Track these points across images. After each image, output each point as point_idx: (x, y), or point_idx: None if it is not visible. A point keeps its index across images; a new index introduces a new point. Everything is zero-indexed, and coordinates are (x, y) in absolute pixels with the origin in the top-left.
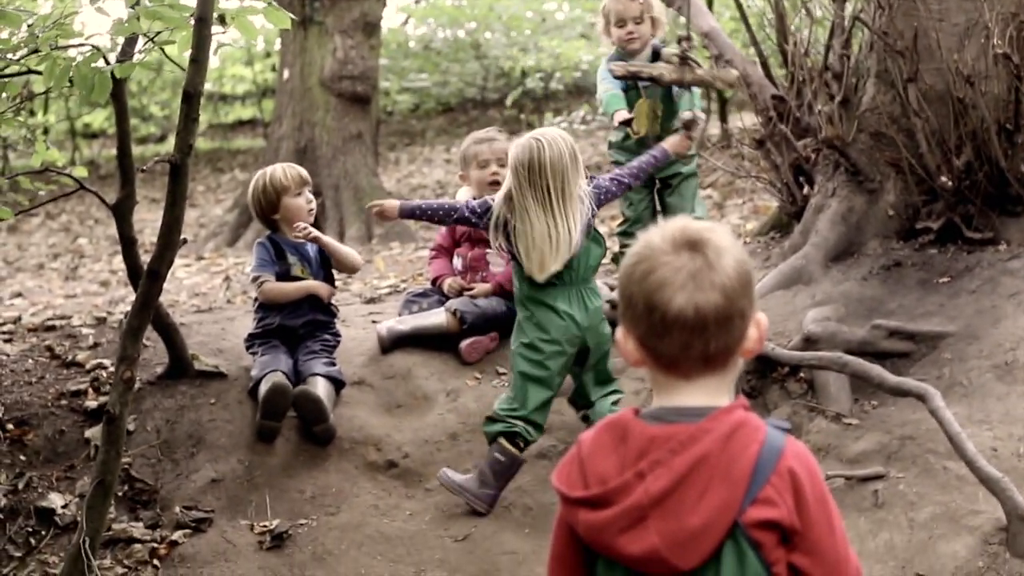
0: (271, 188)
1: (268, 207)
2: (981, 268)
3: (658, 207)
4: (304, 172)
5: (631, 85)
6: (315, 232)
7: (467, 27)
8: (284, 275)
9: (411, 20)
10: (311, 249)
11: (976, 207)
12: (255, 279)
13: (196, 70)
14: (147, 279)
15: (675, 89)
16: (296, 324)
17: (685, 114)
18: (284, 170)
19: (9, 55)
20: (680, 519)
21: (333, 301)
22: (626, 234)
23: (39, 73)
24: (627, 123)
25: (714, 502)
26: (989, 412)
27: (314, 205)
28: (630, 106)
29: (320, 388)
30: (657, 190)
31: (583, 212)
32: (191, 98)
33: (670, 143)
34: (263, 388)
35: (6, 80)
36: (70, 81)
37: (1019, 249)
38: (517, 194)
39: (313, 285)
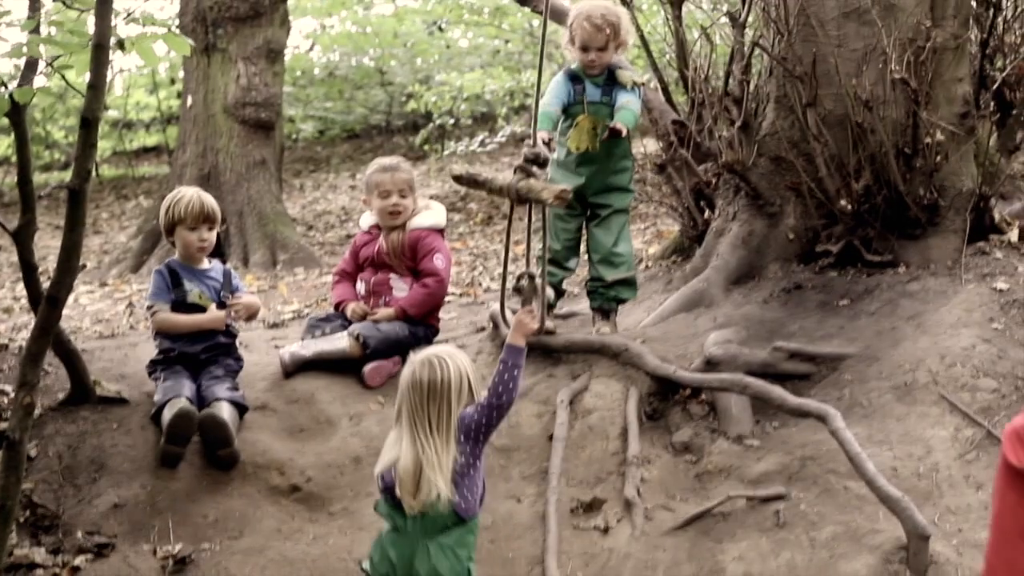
0: (171, 213)
1: (166, 228)
2: (880, 290)
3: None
4: (210, 207)
5: (576, 100)
6: (242, 307)
7: (371, 54)
8: (180, 302)
9: (316, 47)
10: (216, 274)
11: (875, 230)
12: (149, 307)
13: (94, 96)
14: (46, 304)
15: (617, 114)
16: (197, 350)
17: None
18: (189, 202)
19: None
20: None
21: (230, 322)
22: (551, 262)
23: None
24: (547, 143)
25: None
26: (889, 432)
27: (209, 242)
28: (571, 120)
29: (225, 412)
30: (587, 219)
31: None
32: (89, 124)
33: (514, 331)
34: (167, 413)
35: None
36: None
37: (918, 271)
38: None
39: (204, 320)
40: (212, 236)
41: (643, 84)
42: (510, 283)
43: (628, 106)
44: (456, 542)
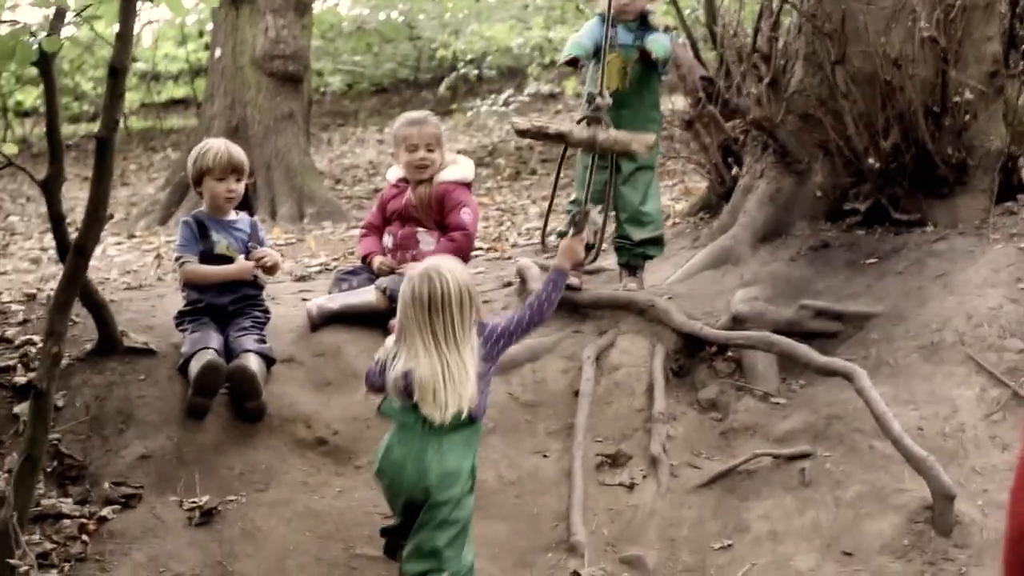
0: (199, 164)
1: (194, 179)
2: (908, 249)
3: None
4: (237, 158)
5: (609, 42)
6: (270, 262)
7: (401, 8)
8: (208, 253)
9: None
10: (243, 225)
11: (903, 189)
12: (177, 259)
13: (122, 45)
14: (74, 254)
15: (647, 41)
16: (225, 302)
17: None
18: (216, 152)
19: None
20: None
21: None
22: (572, 201)
23: None
24: (572, 63)
25: None
26: (915, 392)
27: (236, 193)
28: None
29: (253, 364)
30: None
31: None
32: (117, 73)
33: (560, 257)
34: (195, 365)
35: None
36: None
37: (945, 231)
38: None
39: (231, 271)
40: (240, 187)
41: (675, 28)
42: (561, 226)
43: (659, 40)
44: (464, 440)
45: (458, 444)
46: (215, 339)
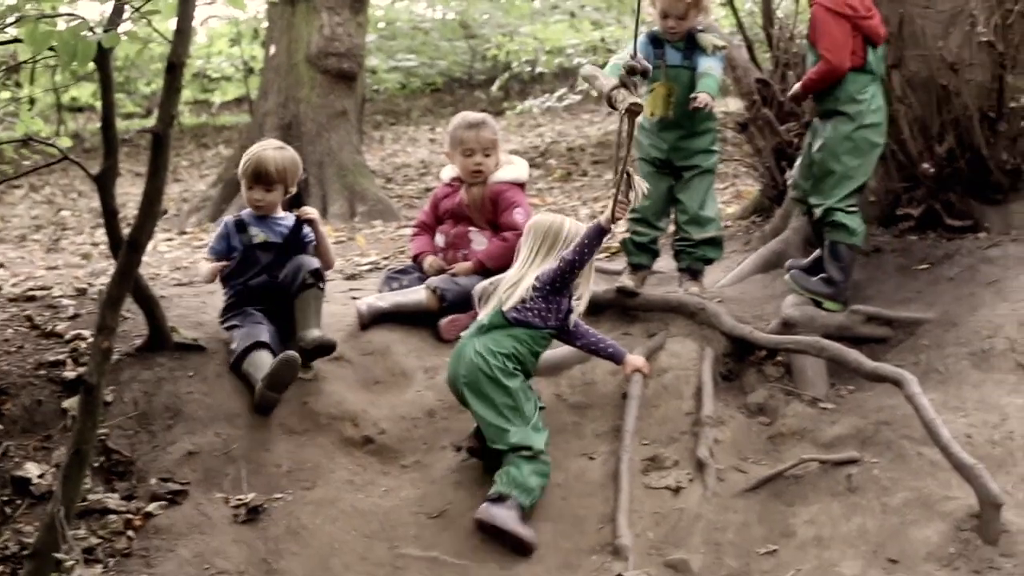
0: (239, 167)
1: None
2: (960, 256)
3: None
4: (266, 168)
5: (656, 63)
6: (313, 216)
7: (455, 7)
8: (248, 245)
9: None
10: (287, 222)
11: (957, 194)
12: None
13: (180, 40)
14: (127, 249)
15: (697, 71)
16: (262, 281)
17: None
18: (247, 160)
19: None
20: None
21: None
22: (635, 220)
23: (21, 42)
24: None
25: None
26: (964, 399)
27: (265, 202)
28: (649, 84)
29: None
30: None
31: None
32: (175, 68)
33: (604, 215)
34: (263, 360)
35: None
36: (52, 48)
37: (999, 237)
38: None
39: (201, 272)
40: (269, 197)
41: (725, 47)
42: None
43: (710, 71)
44: (493, 340)
45: (486, 344)
46: (265, 331)
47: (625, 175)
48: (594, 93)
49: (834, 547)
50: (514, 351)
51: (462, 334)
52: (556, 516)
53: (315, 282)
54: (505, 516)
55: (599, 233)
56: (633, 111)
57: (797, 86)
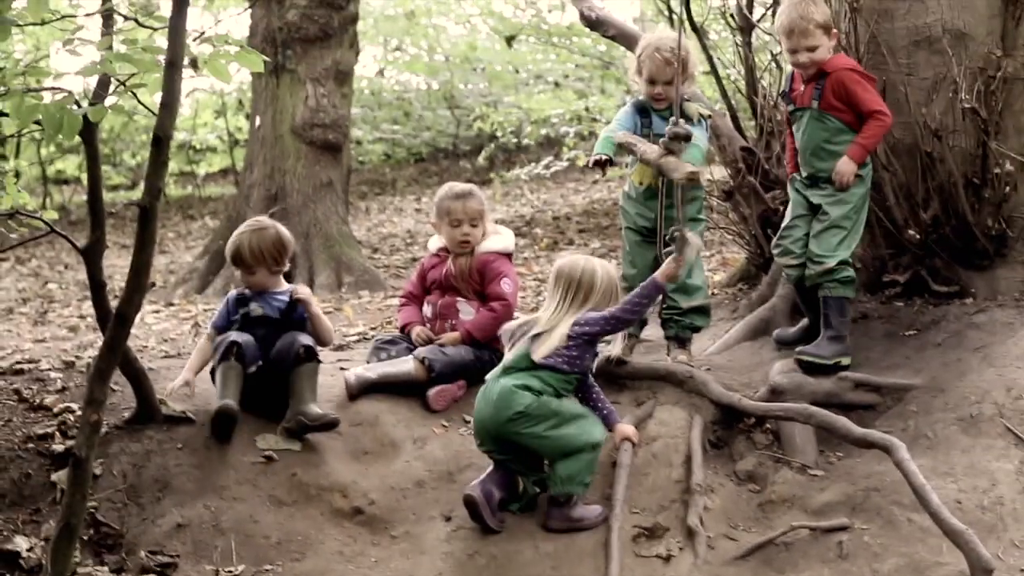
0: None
1: None
2: (947, 321)
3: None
4: (247, 252)
5: (643, 133)
6: (302, 296)
7: (440, 78)
8: (245, 319)
9: (385, 71)
10: (284, 296)
11: (943, 261)
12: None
13: (166, 114)
14: (115, 322)
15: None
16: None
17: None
18: (231, 242)
19: None
20: None
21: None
22: (623, 289)
23: (6, 115)
24: (600, 164)
25: None
26: (954, 465)
27: (251, 283)
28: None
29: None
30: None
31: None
32: (161, 142)
33: (661, 272)
34: (226, 376)
35: None
36: (37, 122)
37: (985, 303)
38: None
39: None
40: (253, 279)
41: (710, 116)
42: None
43: (695, 141)
44: (518, 379)
45: (514, 382)
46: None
47: (679, 234)
48: (580, 163)
49: None
50: (541, 391)
51: (486, 376)
52: None
53: (308, 358)
54: (581, 512)
55: (656, 291)
56: (692, 179)
57: (855, 152)
